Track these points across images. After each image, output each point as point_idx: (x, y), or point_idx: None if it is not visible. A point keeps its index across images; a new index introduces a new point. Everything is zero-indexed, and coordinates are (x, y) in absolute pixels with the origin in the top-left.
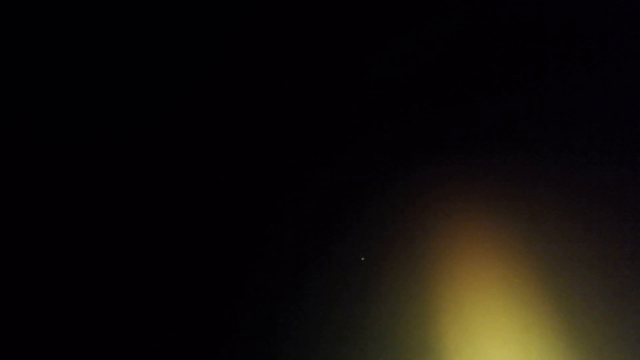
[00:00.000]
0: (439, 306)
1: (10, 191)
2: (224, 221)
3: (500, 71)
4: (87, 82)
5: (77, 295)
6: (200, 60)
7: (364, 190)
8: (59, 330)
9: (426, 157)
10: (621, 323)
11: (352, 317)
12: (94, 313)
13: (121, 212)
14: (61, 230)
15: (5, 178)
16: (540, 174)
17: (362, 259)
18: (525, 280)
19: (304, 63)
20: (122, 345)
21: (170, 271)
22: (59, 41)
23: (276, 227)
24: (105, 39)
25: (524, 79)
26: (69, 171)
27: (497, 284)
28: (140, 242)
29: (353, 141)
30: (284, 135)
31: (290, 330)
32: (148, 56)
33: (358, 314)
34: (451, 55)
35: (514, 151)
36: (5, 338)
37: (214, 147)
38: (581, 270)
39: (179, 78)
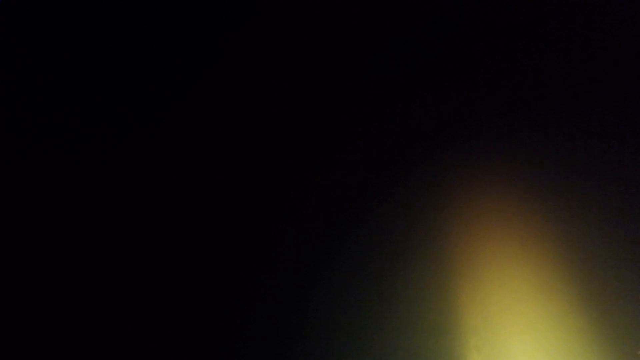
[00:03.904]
0: (455, 303)
1: (10, 191)
2: (227, 223)
3: (498, 63)
4: (87, 82)
5: (79, 297)
6: (202, 60)
7: (372, 188)
8: (59, 332)
9: (432, 152)
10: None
11: (362, 318)
12: (96, 316)
13: (123, 213)
14: (62, 230)
15: (5, 178)
16: (545, 169)
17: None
18: (544, 276)
19: (305, 63)
20: (127, 347)
21: (182, 273)
22: (59, 41)
23: (284, 228)
24: (105, 39)
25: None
26: (69, 171)
27: (512, 279)
28: (149, 243)
29: (357, 140)
30: (287, 136)
31: (299, 331)
32: (149, 56)
33: (368, 315)
34: (448, 50)
35: (516, 139)
36: (7, 338)
37: (218, 149)
38: (597, 263)
39: (180, 78)
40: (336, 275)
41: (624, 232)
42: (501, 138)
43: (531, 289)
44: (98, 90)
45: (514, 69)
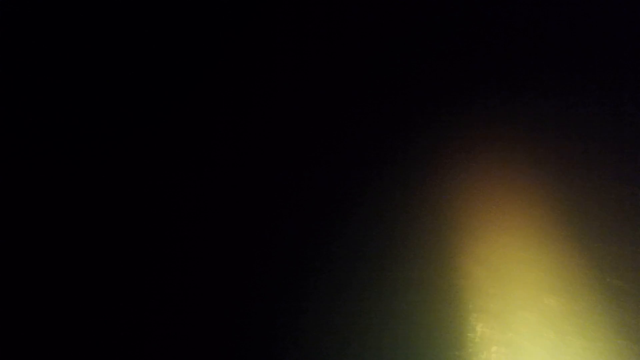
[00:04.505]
0: (459, 265)
1: (10, 191)
2: (224, 221)
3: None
4: (87, 82)
5: (78, 297)
6: (200, 60)
7: (363, 186)
8: (59, 331)
9: (431, 149)
10: None
11: (355, 316)
12: (96, 316)
13: (123, 213)
14: (62, 230)
15: (5, 178)
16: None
17: None
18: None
19: (304, 63)
20: (127, 347)
21: (181, 273)
22: (59, 41)
23: (283, 227)
24: (105, 39)
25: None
26: (69, 171)
27: (517, 241)
28: (149, 243)
29: (356, 139)
30: (287, 136)
31: (293, 330)
32: (149, 56)
33: (362, 312)
34: (444, 45)
35: (516, 135)
36: (7, 338)
37: (214, 147)
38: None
39: (179, 78)
40: (338, 260)
41: (624, 226)
42: (501, 132)
43: (535, 250)
44: (98, 90)
45: (513, 66)
